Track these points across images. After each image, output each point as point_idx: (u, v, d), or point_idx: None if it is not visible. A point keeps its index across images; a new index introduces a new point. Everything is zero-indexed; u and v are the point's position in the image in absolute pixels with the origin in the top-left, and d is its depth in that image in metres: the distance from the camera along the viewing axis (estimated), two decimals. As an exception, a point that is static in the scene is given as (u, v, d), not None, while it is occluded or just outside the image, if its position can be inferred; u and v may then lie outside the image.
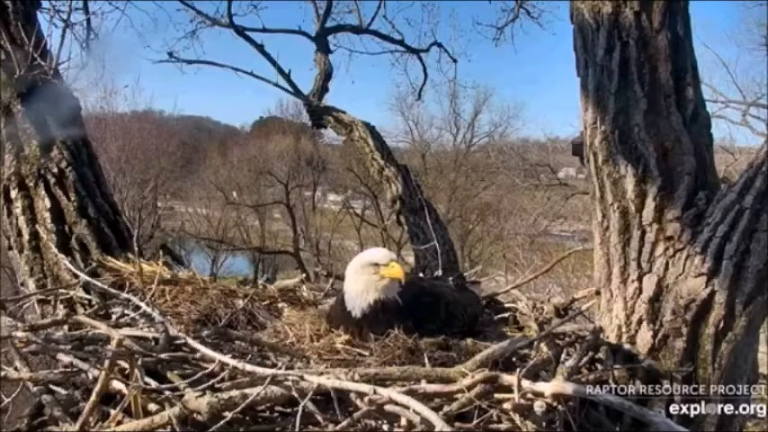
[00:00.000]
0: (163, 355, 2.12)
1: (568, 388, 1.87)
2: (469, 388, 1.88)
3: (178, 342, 2.26)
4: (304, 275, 3.78)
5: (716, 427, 2.37)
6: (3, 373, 2.15)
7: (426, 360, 2.23)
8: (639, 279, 2.51)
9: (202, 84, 21.35)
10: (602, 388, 2.12)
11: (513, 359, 2.26)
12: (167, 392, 1.95)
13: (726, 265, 2.32)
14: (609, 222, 2.60)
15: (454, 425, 1.83)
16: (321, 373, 1.97)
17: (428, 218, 5.51)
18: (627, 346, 2.47)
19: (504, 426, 1.91)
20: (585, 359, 2.31)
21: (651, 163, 2.50)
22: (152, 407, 1.93)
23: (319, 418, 1.88)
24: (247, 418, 1.92)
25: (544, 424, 1.89)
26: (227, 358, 2.04)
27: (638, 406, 2.02)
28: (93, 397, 1.88)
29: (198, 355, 2.13)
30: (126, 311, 2.67)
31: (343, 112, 6.89)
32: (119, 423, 1.90)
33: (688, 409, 2.37)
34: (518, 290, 3.53)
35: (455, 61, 9.07)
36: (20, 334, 2.25)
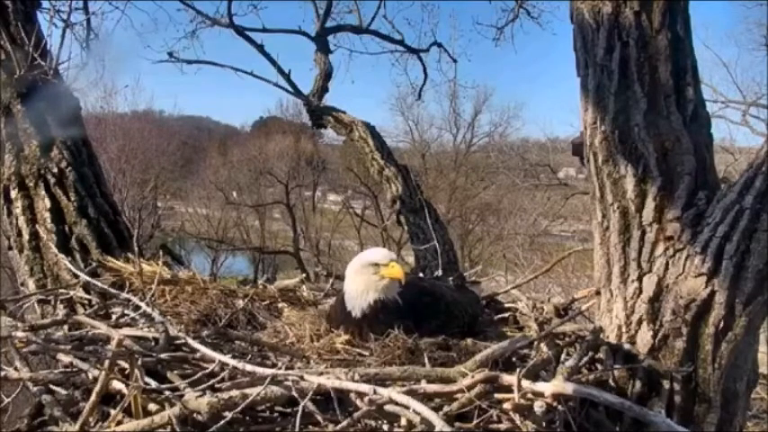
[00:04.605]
0: (163, 355, 2.12)
1: (568, 388, 1.87)
2: (469, 388, 1.87)
3: (178, 342, 2.26)
4: (304, 275, 3.79)
5: (716, 427, 2.37)
6: (3, 373, 2.14)
7: (426, 360, 2.22)
8: (639, 279, 2.51)
9: (202, 84, 21.32)
10: (602, 388, 2.12)
11: (513, 359, 2.26)
12: (167, 392, 1.95)
13: (726, 265, 2.32)
14: (609, 222, 2.60)
15: (454, 425, 1.83)
16: (321, 373, 1.97)
17: (428, 218, 5.52)
18: (627, 346, 2.46)
19: (504, 426, 1.91)
20: (585, 359, 2.30)
21: (651, 163, 2.50)
22: (152, 407, 1.93)
23: (319, 418, 1.88)
24: (247, 418, 1.92)
25: (544, 424, 1.89)
26: (227, 358, 2.04)
27: (638, 406, 2.02)
28: (93, 397, 1.88)
29: (198, 355, 2.13)
30: (126, 311, 2.67)
31: (343, 112, 6.89)
32: (119, 423, 1.90)
33: (688, 409, 2.38)
34: (518, 290, 3.52)
35: (455, 61, 9.12)
36: (20, 334, 2.25)
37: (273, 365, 2.11)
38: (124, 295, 2.77)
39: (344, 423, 1.84)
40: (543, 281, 7.03)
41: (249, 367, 1.96)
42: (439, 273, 4.37)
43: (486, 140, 25.71)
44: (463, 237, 20.93)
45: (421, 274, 4.49)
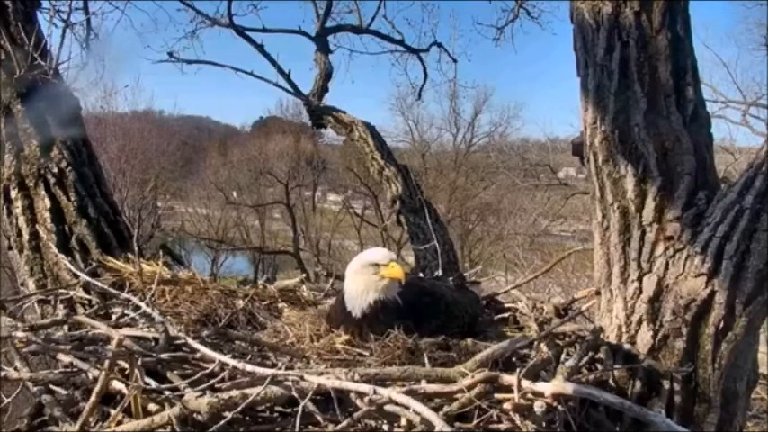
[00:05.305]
0: (163, 355, 2.12)
1: (568, 388, 1.87)
2: (469, 388, 1.87)
3: (178, 342, 2.26)
4: (304, 275, 3.79)
5: (716, 427, 2.37)
6: (3, 373, 2.14)
7: (426, 360, 2.22)
8: (639, 279, 2.51)
9: (202, 84, 21.33)
10: (602, 388, 2.12)
11: (513, 359, 2.26)
12: (167, 392, 1.95)
13: (726, 265, 2.32)
14: (609, 222, 2.60)
15: (454, 425, 1.83)
16: (321, 373, 1.97)
17: (428, 218, 5.52)
18: (627, 346, 2.46)
19: (504, 426, 1.91)
20: (585, 359, 2.30)
21: (651, 163, 2.49)
22: (152, 407, 1.93)
23: (319, 418, 1.88)
24: (247, 418, 1.92)
25: (544, 424, 1.89)
26: (227, 358, 2.04)
27: (638, 406, 2.02)
28: (93, 397, 1.88)
29: (198, 355, 2.13)
30: (126, 311, 2.67)
31: (343, 112, 6.90)
32: (119, 423, 1.90)
33: (688, 409, 2.37)
34: (518, 290, 3.53)
35: (455, 61, 9.12)
36: (20, 334, 2.25)
37: (273, 365, 2.11)
38: (124, 295, 2.77)
39: (344, 423, 1.84)
40: (543, 281, 7.03)
41: (249, 367, 1.96)
42: (439, 273, 4.37)
43: (486, 140, 25.78)
44: (463, 237, 20.94)
45: (421, 274, 4.49)
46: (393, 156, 6.56)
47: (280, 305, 3.09)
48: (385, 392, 1.82)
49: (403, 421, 1.82)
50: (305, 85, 7.49)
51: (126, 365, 2.02)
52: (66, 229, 3.37)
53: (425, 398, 1.87)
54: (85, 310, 2.92)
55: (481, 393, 1.86)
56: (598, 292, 2.70)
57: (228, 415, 1.83)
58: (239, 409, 1.83)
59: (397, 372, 2.02)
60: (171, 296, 2.93)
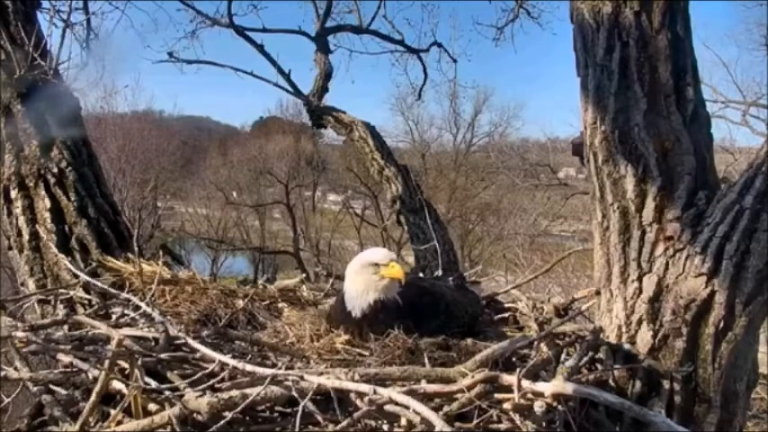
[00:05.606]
0: (163, 355, 2.12)
1: (568, 388, 1.87)
2: (469, 388, 1.87)
3: (178, 342, 2.26)
4: (304, 275, 3.79)
5: (716, 428, 2.37)
6: (3, 373, 2.14)
7: (426, 360, 2.22)
8: (639, 279, 2.51)
9: (202, 84, 21.47)
10: (602, 388, 2.12)
11: (513, 359, 2.26)
12: (167, 392, 1.95)
13: (726, 265, 2.32)
14: (609, 222, 2.60)
15: (454, 425, 1.83)
16: (321, 373, 1.97)
17: (428, 218, 5.53)
18: (627, 346, 2.46)
19: (504, 426, 1.91)
20: (585, 359, 2.30)
21: (651, 163, 2.49)
22: (152, 407, 1.93)
23: (319, 418, 1.88)
24: (247, 418, 1.92)
25: (544, 424, 1.89)
26: (227, 358, 2.04)
27: (638, 406, 2.02)
28: (93, 397, 1.88)
29: (198, 355, 2.13)
30: (126, 311, 2.67)
31: (343, 112, 6.90)
32: (119, 423, 1.90)
33: (688, 409, 2.37)
34: (518, 290, 3.52)
35: (455, 61, 9.11)
36: (20, 334, 2.25)
37: (273, 365, 2.11)
38: (124, 295, 2.77)
39: (344, 423, 1.84)
40: (543, 281, 7.04)
41: (249, 367, 1.96)
42: (439, 273, 4.37)
43: (486, 140, 25.85)
44: (463, 237, 20.95)
45: (421, 274, 4.49)
46: (393, 156, 6.57)
47: (280, 305, 3.09)
48: (385, 392, 1.82)
49: (403, 421, 1.82)
50: (305, 85, 7.50)
51: (126, 365, 2.02)
52: (67, 229, 3.37)
53: (425, 398, 1.87)
54: (85, 310, 2.92)
55: (481, 393, 1.86)
56: (598, 292, 2.70)
57: (228, 415, 1.82)
58: (239, 409, 1.83)
59: (397, 372, 2.02)
60: (171, 296, 2.92)
